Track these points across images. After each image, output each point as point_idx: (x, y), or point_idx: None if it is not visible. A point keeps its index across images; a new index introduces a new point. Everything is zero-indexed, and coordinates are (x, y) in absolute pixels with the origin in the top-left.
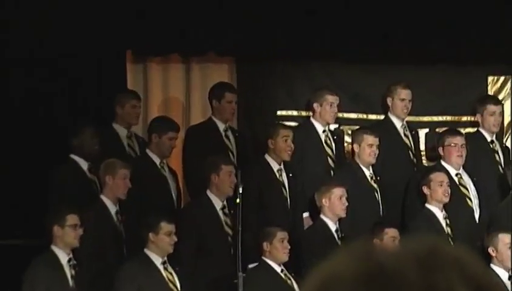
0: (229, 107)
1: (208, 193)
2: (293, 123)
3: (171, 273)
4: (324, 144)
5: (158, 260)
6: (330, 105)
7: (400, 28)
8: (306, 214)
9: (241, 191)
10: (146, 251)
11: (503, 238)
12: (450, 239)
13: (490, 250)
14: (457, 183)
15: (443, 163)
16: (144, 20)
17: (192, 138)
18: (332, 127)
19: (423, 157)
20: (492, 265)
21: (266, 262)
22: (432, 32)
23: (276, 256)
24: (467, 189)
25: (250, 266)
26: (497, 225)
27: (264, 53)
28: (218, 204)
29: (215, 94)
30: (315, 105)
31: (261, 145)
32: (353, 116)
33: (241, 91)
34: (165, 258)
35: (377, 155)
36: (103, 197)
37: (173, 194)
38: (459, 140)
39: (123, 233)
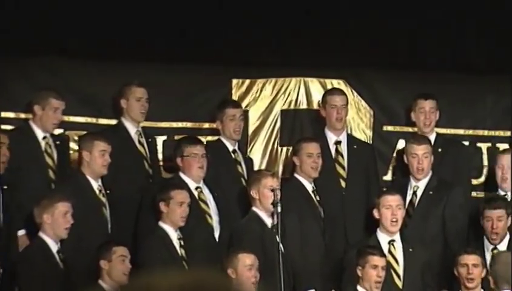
0: None
1: None
2: (10, 127)
3: None
4: (45, 153)
5: None
6: (54, 111)
7: (136, 23)
8: (21, 232)
9: None
10: None
11: (244, 259)
12: (184, 262)
13: (229, 271)
14: (197, 198)
15: (181, 175)
16: None
17: None
18: (57, 131)
19: (161, 168)
20: None
21: None
22: (171, 29)
23: None
24: (207, 204)
25: None
26: (238, 245)
27: None
28: None
29: None
30: (36, 107)
31: None
32: (81, 120)
33: None
34: None
35: (108, 164)
36: None
37: None
38: (199, 150)
39: None
